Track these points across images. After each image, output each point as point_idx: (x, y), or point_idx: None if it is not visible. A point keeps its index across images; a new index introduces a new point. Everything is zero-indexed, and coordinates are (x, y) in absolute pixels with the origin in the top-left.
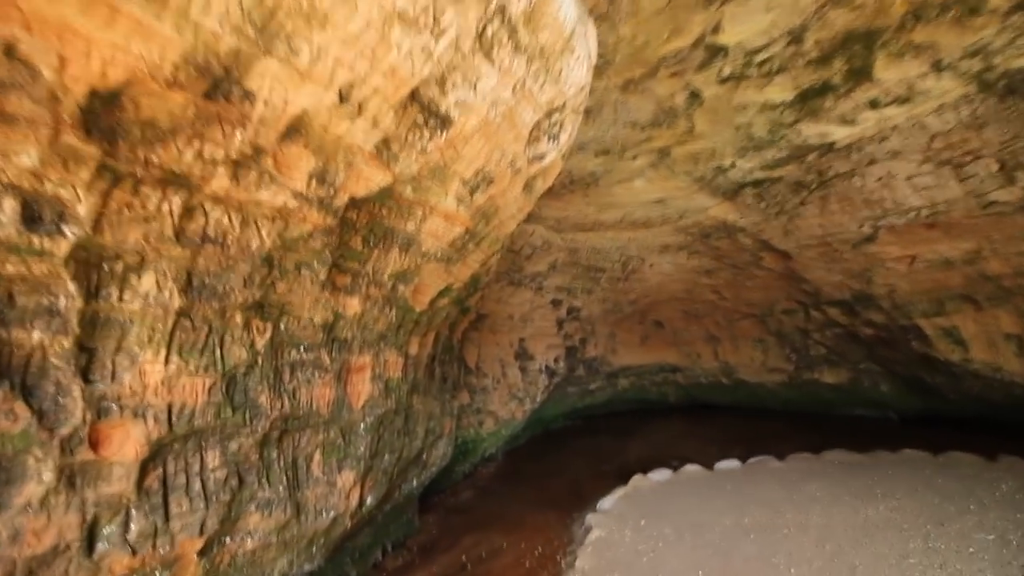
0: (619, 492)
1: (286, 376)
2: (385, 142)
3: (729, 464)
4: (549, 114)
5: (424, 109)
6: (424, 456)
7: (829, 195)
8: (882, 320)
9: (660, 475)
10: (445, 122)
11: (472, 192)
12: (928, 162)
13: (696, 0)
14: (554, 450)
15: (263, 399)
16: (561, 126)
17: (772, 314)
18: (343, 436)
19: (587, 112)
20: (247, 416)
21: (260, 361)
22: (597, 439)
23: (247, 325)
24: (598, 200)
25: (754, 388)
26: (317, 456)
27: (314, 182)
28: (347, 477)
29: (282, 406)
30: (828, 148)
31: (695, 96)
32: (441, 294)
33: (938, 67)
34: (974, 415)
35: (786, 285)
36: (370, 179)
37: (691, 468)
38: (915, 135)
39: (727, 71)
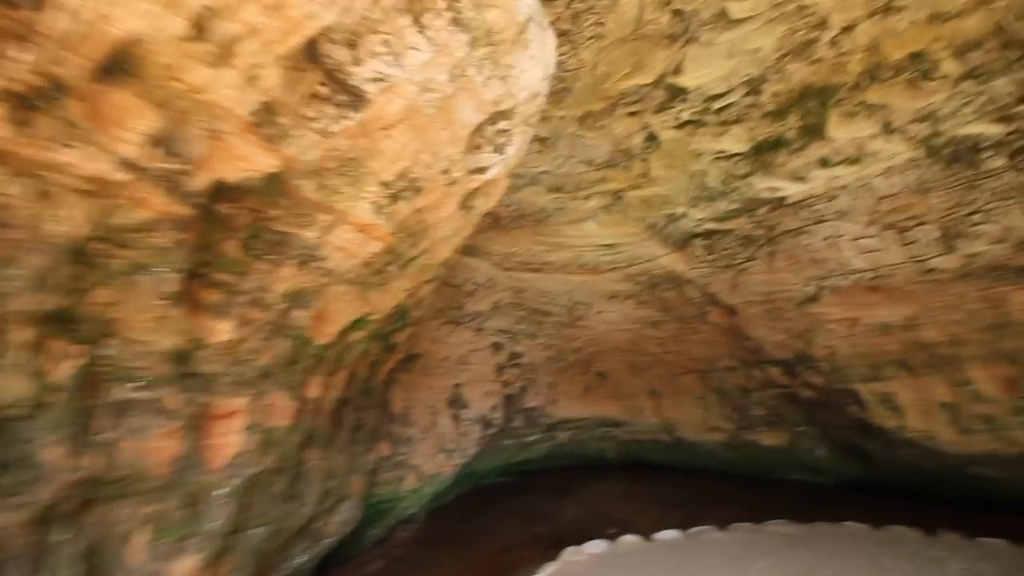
0: (550, 568)
1: (102, 423)
2: (269, 110)
3: (669, 535)
4: (495, 119)
5: (329, 77)
6: (318, 524)
7: (777, 251)
8: (821, 383)
9: (596, 547)
10: (358, 100)
11: (394, 199)
12: (874, 224)
13: (661, 35)
14: (483, 510)
15: (50, 455)
16: (509, 137)
17: (715, 370)
18: (189, 506)
19: (542, 142)
20: (16, 479)
21: (55, 400)
22: (531, 498)
23: (37, 346)
24: (548, 239)
25: (694, 447)
26: (141, 536)
27: (155, 149)
28: (187, 564)
29: (87, 465)
30: (779, 203)
31: (652, 138)
32: (354, 325)
33: (888, 129)
34: (910, 484)
35: (729, 341)
36: (247, 160)
37: (629, 539)
38: (863, 196)
39: (685, 115)
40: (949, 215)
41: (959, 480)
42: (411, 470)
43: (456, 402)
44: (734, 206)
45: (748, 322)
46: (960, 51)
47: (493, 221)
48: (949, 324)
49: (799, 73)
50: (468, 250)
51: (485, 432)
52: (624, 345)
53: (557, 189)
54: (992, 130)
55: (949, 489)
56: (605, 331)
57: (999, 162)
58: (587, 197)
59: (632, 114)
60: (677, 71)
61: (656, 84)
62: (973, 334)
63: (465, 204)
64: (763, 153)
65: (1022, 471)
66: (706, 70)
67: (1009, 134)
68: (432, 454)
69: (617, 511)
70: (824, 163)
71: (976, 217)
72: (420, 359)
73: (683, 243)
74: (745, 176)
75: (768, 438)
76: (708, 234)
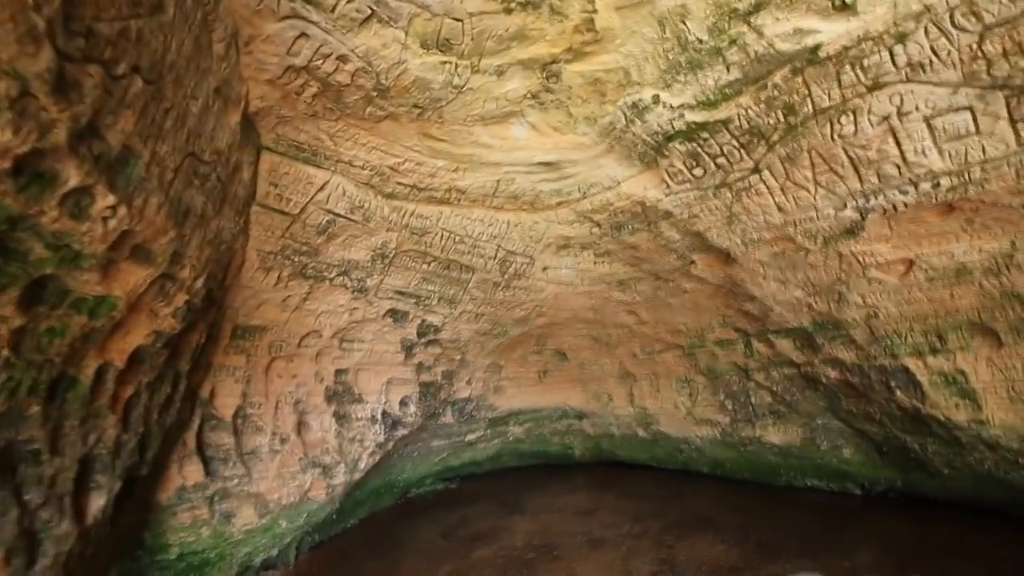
0: None
1: None
2: None
3: None
4: None
5: None
6: None
7: (799, 152)
8: (853, 359)
9: None
10: None
11: None
12: (971, 84)
13: None
14: (404, 534)
15: None
16: None
17: (703, 345)
18: None
19: None
20: None
21: None
22: (472, 511)
23: None
24: (450, 146)
25: (678, 444)
26: None
27: None
28: None
29: None
30: (807, 59)
31: None
32: None
33: None
34: (977, 498)
35: (723, 304)
36: None
37: None
38: (960, 31)
39: None
40: None
41: None
42: (247, 500)
43: (340, 395)
44: (733, 75)
45: (750, 273)
46: None
47: (333, 95)
48: None
49: None
50: (302, 150)
51: (391, 434)
52: (585, 314)
53: (443, 45)
54: None
55: None
56: (557, 295)
57: None
58: (501, 71)
59: None
60: None
61: None
62: None
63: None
64: None
65: None
66: None
67: None
68: (292, 473)
69: (580, 530)
70: None
71: None
72: (262, 334)
73: (655, 153)
74: (750, 14)
75: (775, 434)
76: (691, 133)
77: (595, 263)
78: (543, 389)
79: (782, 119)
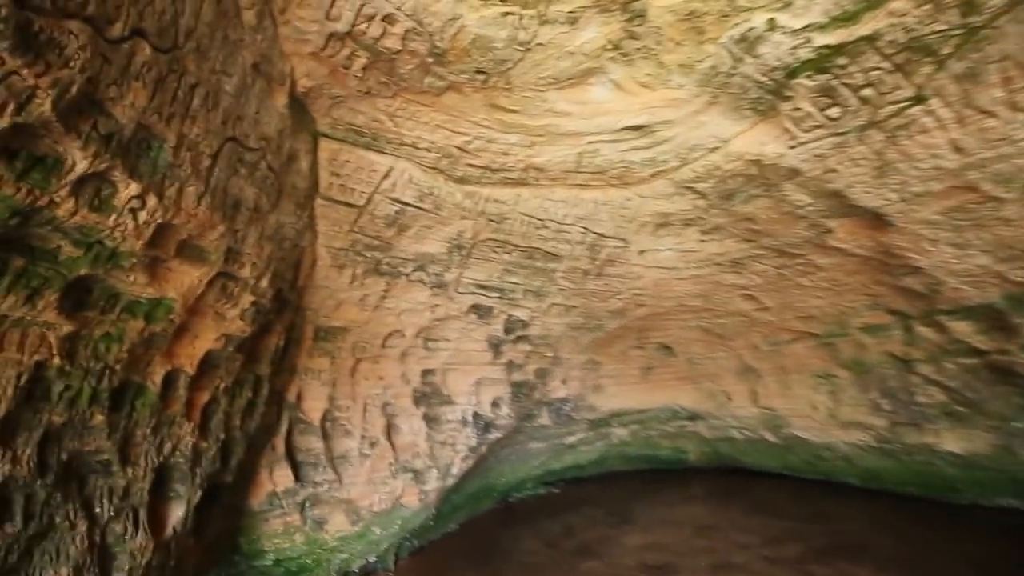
0: None
1: None
2: None
3: None
4: None
5: None
6: None
7: (984, 65)
8: None
9: None
10: None
11: None
12: None
13: None
14: (506, 542)
15: None
16: None
17: (845, 333)
18: None
19: None
20: None
21: None
22: (578, 520)
23: None
24: (522, 117)
25: (817, 450)
26: None
27: None
28: None
29: None
30: None
31: None
32: None
33: None
34: None
35: (871, 280)
36: None
37: None
38: None
39: None
40: None
41: None
42: (338, 507)
43: (429, 397)
44: None
45: (912, 238)
46: None
47: (385, 66)
48: None
49: None
50: (361, 134)
51: (484, 437)
52: (692, 301)
53: None
54: None
55: None
56: (657, 281)
57: None
58: (573, 19)
59: None
60: None
61: None
62: None
63: None
64: None
65: None
66: None
67: None
68: (383, 478)
69: (703, 546)
70: None
71: None
72: (344, 335)
73: (773, 97)
74: None
75: (953, 440)
76: (822, 62)
77: (701, 242)
78: (648, 387)
79: (959, 21)
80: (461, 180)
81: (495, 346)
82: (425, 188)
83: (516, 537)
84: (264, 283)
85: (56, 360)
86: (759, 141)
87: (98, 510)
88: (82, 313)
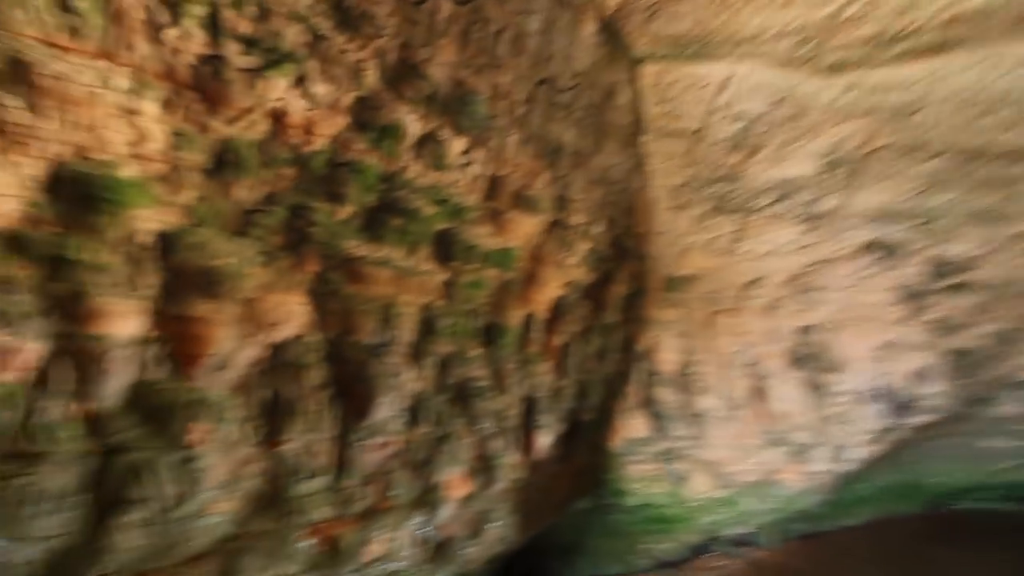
0: None
1: None
2: None
3: None
4: None
5: None
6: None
7: None
8: None
9: None
10: None
11: None
12: None
13: None
14: (932, 561)
15: None
16: None
17: None
18: None
19: None
20: None
21: None
22: None
23: None
24: None
25: None
26: None
27: None
28: None
29: None
30: None
31: None
32: None
33: None
34: None
35: None
36: None
37: None
38: None
39: None
40: None
41: None
42: (700, 467)
43: (808, 360)
44: None
45: None
46: None
47: None
48: None
49: None
50: (686, 44)
51: (899, 421)
52: None
53: None
54: None
55: None
56: None
57: None
58: None
59: None
60: None
61: None
62: None
63: None
64: None
65: None
66: None
67: None
68: (753, 447)
69: None
70: None
71: None
72: (694, 285)
73: None
74: None
75: None
76: None
77: None
78: None
79: None
80: (833, 68)
81: (912, 297)
82: (778, 91)
83: (947, 560)
84: (598, 229)
85: (440, 302)
86: None
87: (482, 427)
88: (451, 263)
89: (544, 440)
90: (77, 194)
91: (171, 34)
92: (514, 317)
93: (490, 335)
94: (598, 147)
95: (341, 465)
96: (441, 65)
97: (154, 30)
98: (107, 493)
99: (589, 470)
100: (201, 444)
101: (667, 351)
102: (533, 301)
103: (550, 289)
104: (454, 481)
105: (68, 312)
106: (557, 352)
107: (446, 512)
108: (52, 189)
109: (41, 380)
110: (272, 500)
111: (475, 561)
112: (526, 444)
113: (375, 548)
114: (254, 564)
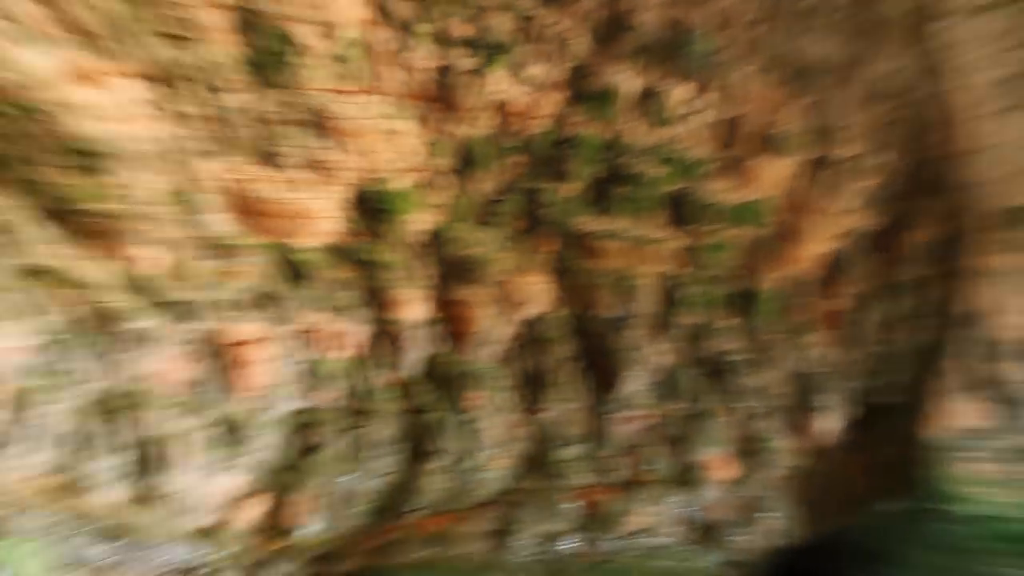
0: None
1: None
2: None
3: None
4: None
5: None
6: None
7: None
8: None
9: None
10: None
11: None
12: None
13: None
14: None
15: None
16: None
17: None
18: None
19: None
20: None
21: None
22: None
23: None
24: None
25: None
26: None
27: None
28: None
29: None
30: None
31: None
32: None
33: None
34: None
35: None
36: None
37: None
38: None
39: None
40: None
41: None
42: None
43: None
44: None
45: None
46: None
47: None
48: None
49: None
50: None
51: None
52: None
53: None
54: None
55: None
56: None
57: None
58: None
59: None
60: None
61: None
62: None
63: None
64: None
65: None
66: None
67: None
68: None
69: None
70: None
71: None
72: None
73: None
74: None
75: None
76: None
77: None
78: None
79: None
80: None
81: None
82: None
83: None
84: (882, 159)
85: (680, 270)
86: None
87: (742, 405)
88: (687, 226)
89: (825, 424)
90: (370, 209)
91: (411, 56)
92: (771, 280)
93: (744, 303)
94: (868, 53)
95: (596, 435)
96: (650, 10)
97: (399, 57)
98: (417, 444)
99: (895, 464)
100: (476, 408)
101: (1010, 312)
102: (796, 260)
103: (818, 243)
104: (715, 461)
105: (377, 302)
106: (837, 319)
107: (710, 494)
108: (356, 207)
109: (366, 355)
110: (539, 462)
111: (748, 551)
112: (800, 427)
113: (636, 519)
114: (529, 516)
